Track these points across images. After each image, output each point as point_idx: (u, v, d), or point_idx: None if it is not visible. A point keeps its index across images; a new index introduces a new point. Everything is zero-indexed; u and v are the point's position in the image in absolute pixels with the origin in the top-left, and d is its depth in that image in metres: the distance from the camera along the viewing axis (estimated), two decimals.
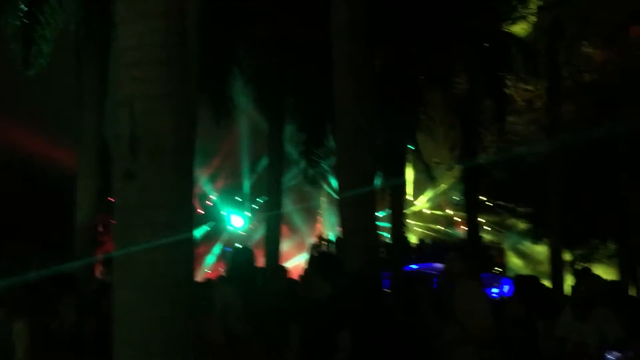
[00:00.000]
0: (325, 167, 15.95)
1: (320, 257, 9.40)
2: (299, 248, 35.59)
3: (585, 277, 7.27)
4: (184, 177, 3.83)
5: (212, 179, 41.01)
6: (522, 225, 26.64)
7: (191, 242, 3.91)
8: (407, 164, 16.99)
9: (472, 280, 5.12)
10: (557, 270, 15.36)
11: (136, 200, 3.62)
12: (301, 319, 4.18)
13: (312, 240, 32.51)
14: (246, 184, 40.39)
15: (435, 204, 41.06)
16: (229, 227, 40.74)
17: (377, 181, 13.56)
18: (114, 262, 3.72)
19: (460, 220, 39.87)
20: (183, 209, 3.78)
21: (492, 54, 14.70)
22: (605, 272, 22.21)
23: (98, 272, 10.87)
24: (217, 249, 35.93)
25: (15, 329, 5.41)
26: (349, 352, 4.12)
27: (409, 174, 22.00)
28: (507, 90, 16.03)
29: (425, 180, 35.52)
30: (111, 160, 3.70)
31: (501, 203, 25.48)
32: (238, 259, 5.98)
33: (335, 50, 7.43)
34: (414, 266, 20.87)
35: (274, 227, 15.10)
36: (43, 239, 19.69)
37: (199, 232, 42.32)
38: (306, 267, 7.76)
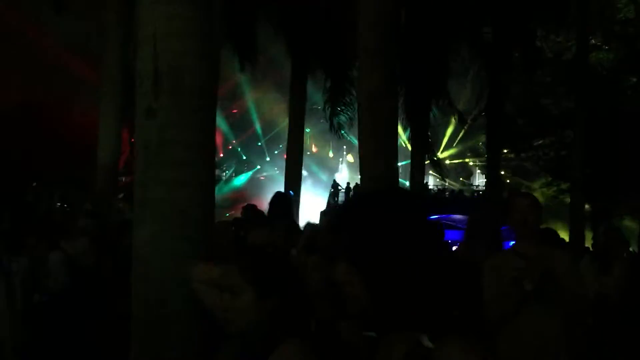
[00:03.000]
0: (346, 117, 15.77)
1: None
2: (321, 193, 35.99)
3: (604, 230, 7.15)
4: (204, 117, 3.78)
5: (235, 125, 41.47)
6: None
7: (212, 182, 3.89)
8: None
9: None
10: (577, 223, 15.17)
11: (157, 138, 3.59)
12: None
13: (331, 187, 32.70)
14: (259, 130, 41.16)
15: (457, 154, 40.90)
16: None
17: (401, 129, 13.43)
18: (134, 199, 3.71)
19: (479, 171, 39.75)
20: (204, 149, 3.75)
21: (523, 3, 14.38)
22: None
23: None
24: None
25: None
26: None
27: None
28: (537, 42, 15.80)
29: (443, 130, 35.32)
30: (134, 99, 3.65)
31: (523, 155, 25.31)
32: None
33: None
34: (433, 216, 20.86)
35: (294, 173, 15.12)
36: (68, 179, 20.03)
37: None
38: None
